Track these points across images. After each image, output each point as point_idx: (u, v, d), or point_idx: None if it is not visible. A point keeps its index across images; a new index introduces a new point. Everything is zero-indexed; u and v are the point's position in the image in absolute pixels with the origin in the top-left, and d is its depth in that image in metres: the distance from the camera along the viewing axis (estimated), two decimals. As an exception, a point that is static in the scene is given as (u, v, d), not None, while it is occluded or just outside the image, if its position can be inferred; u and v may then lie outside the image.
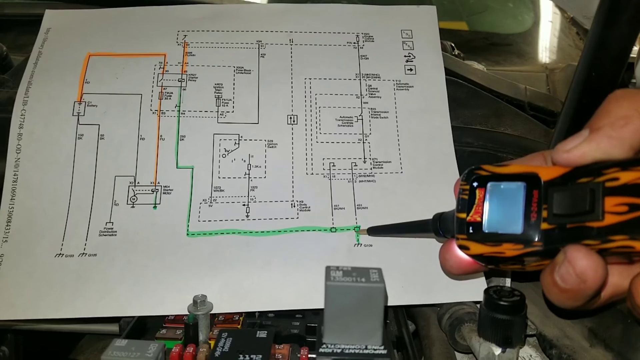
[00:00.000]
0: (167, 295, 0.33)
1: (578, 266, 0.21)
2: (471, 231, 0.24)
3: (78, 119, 0.37)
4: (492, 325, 0.28)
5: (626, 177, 0.21)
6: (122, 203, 0.36)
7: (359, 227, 0.36)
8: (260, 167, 0.37)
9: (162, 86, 0.39)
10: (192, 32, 0.41)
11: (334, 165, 0.37)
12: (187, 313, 0.31)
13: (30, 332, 0.37)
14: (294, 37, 0.41)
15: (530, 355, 0.31)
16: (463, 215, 0.24)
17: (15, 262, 0.34)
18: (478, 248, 0.24)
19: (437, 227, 0.28)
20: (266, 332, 0.29)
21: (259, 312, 0.34)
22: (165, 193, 0.36)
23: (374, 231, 0.35)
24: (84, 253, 0.34)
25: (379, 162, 0.38)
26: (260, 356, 0.26)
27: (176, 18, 0.42)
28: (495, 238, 0.24)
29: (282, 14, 0.42)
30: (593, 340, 0.32)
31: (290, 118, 0.39)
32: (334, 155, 0.38)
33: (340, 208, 0.37)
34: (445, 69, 0.42)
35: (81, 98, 0.38)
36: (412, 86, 0.40)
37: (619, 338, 0.31)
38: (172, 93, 0.38)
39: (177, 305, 0.32)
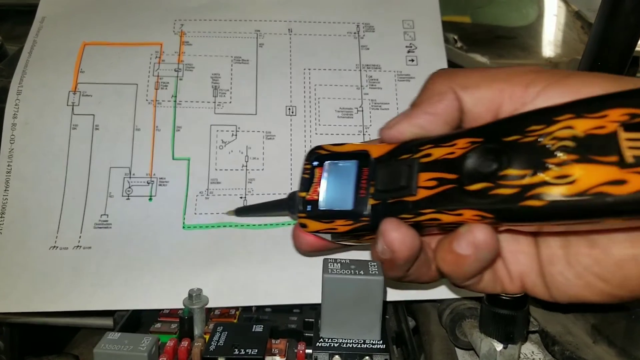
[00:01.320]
0: (162, 288, 0.32)
1: (387, 238, 0.22)
2: (309, 209, 0.25)
3: (73, 109, 0.37)
4: (493, 321, 0.27)
5: (437, 153, 0.22)
6: (117, 195, 0.35)
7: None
8: (258, 159, 0.37)
9: (158, 76, 0.38)
10: (189, 21, 0.40)
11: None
12: (182, 307, 0.30)
13: (26, 326, 0.37)
14: (293, 26, 0.40)
15: (533, 352, 0.31)
16: (303, 194, 0.25)
17: (10, 254, 0.33)
18: (315, 225, 0.25)
19: (289, 205, 0.28)
20: (262, 326, 0.28)
21: (255, 306, 0.33)
22: (161, 185, 0.36)
23: (241, 212, 0.34)
24: (78, 246, 0.34)
25: (379, 154, 0.37)
26: (256, 351, 0.26)
27: (173, 7, 0.41)
28: (330, 215, 0.25)
29: (281, 3, 0.41)
30: (596, 337, 0.31)
31: (289, 109, 0.38)
32: (333, 147, 0.37)
33: (339, 201, 0.36)
34: (448, 61, 0.41)
35: (76, 88, 0.37)
36: (414, 77, 0.40)
37: (623, 334, 0.30)
38: (168, 83, 0.38)
39: (172, 298, 0.32)
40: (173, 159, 0.36)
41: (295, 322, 0.32)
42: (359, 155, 0.25)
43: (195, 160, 0.36)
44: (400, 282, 0.28)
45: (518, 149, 0.19)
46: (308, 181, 0.26)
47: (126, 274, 0.33)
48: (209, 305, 0.31)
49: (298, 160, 0.37)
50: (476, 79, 0.22)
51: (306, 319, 0.32)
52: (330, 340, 0.26)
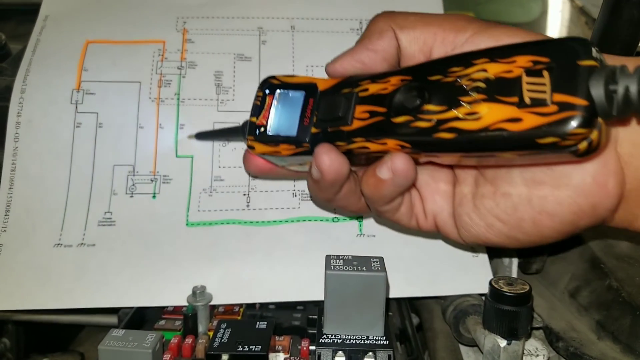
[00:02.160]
0: (166, 285, 0.33)
1: (318, 159, 0.24)
2: (257, 133, 0.27)
3: (76, 107, 0.37)
4: (497, 317, 0.27)
5: (373, 88, 0.24)
6: (120, 193, 0.35)
7: (362, 217, 0.36)
8: (261, 156, 0.37)
9: (161, 74, 0.38)
10: (191, 18, 0.40)
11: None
12: (186, 304, 0.30)
13: (31, 324, 0.37)
14: (296, 23, 0.40)
15: (537, 348, 0.31)
16: (254, 119, 0.27)
17: (14, 252, 0.33)
18: (261, 148, 0.27)
19: (243, 131, 0.29)
20: (266, 323, 0.28)
21: (259, 303, 0.33)
22: (164, 182, 0.36)
23: (201, 136, 0.35)
24: (82, 243, 0.34)
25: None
26: (260, 347, 0.26)
27: (175, 4, 0.41)
28: (275, 139, 0.26)
29: (284, 0, 0.41)
30: (601, 333, 0.31)
31: (292, 106, 0.38)
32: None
33: (342, 198, 0.36)
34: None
35: (79, 86, 0.37)
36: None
37: (627, 331, 0.30)
38: (171, 81, 0.38)
39: (176, 296, 0.32)
40: (176, 156, 0.36)
41: (299, 319, 0.32)
42: (308, 87, 0.27)
43: (198, 158, 0.36)
44: (332, 210, 0.33)
45: (439, 87, 0.21)
46: (259, 108, 0.27)
47: (130, 271, 0.33)
48: (212, 303, 0.31)
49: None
50: (413, 21, 0.24)
51: (310, 316, 0.32)
52: (333, 337, 0.26)
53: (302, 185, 0.36)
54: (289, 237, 0.35)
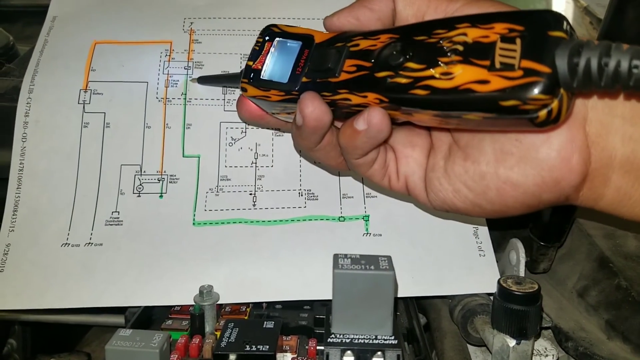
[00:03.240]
0: (173, 285, 0.33)
1: (301, 105, 0.25)
2: (251, 76, 0.28)
3: (84, 107, 0.37)
4: (506, 316, 0.27)
5: (363, 44, 0.25)
6: (128, 192, 0.35)
7: (369, 216, 0.36)
8: (267, 155, 0.37)
9: (168, 74, 0.38)
10: (198, 19, 0.40)
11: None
12: (193, 303, 0.30)
13: (37, 325, 0.37)
14: (302, 23, 0.40)
15: (546, 348, 0.30)
16: (250, 63, 0.28)
17: (22, 251, 0.33)
18: (253, 91, 0.28)
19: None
20: (273, 322, 0.28)
21: (266, 303, 0.33)
22: (171, 182, 0.36)
23: (203, 80, 0.37)
24: (90, 242, 0.34)
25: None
26: (267, 347, 0.26)
27: (182, 5, 0.41)
28: (267, 85, 0.27)
29: (290, 0, 0.41)
30: (611, 333, 0.31)
31: (298, 106, 0.38)
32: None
33: (348, 197, 0.36)
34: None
35: (87, 86, 0.37)
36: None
37: (638, 330, 0.30)
38: (178, 81, 0.38)
39: (183, 295, 0.32)
40: (183, 156, 0.36)
41: (306, 319, 0.32)
42: (305, 38, 0.28)
43: (205, 158, 0.36)
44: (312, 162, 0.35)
45: (422, 47, 0.22)
46: (257, 52, 0.28)
47: (137, 270, 0.33)
48: (219, 302, 0.31)
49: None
50: None
51: (317, 316, 0.32)
52: (341, 336, 0.26)
53: (309, 184, 0.36)
54: (295, 236, 0.35)
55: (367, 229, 0.35)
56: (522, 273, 0.34)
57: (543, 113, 0.19)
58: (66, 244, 0.34)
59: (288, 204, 0.36)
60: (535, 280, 0.28)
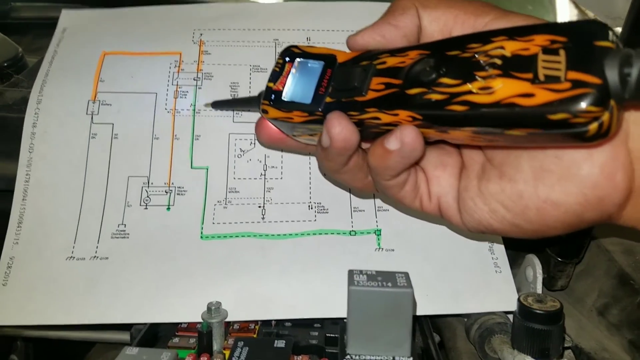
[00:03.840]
0: (180, 301, 0.32)
1: (328, 125, 0.24)
2: (273, 98, 0.27)
3: (92, 118, 0.36)
4: (527, 336, 0.26)
5: (391, 61, 0.24)
6: (135, 204, 0.35)
7: (380, 230, 0.35)
8: (276, 167, 0.36)
9: (177, 85, 0.38)
10: (208, 30, 0.40)
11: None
12: (201, 320, 0.29)
13: (40, 341, 0.36)
14: (311, 35, 0.40)
15: (567, 369, 0.29)
16: (271, 85, 0.27)
17: (26, 265, 0.33)
18: (274, 113, 0.27)
19: (259, 102, 0.29)
20: (284, 341, 0.27)
21: (275, 320, 0.32)
22: (179, 194, 0.35)
23: (217, 105, 0.36)
24: (95, 256, 0.33)
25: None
26: (279, 366, 0.25)
27: (192, 16, 0.41)
28: (289, 106, 0.26)
29: (299, 12, 0.41)
30: (635, 354, 0.30)
31: (309, 118, 0.37)
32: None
33: (359, 210, 0.35)
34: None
35: (95, 97, 0.37)
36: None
37: (663, 352, 0.28)
38: (187, 92, 0.37)
39: (190, 312, 0.31)
40: (191, 167, 0.36)
41: (317, 338, 0.31)
42: (327, 58, 0.27)
43: (213, 169, 0.36)
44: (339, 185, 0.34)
45: (456, 61, 0.22)
46: (277, 74, 0.28)
47: (144, 285, 0.32)
48: (227, 319, 0.30)
49: (316, 169, 0.36)
50: (437, 2, 0.25)
51: (328, 334, 0.31)
52: (357, 357, 0.25)
53: (319, 197, 0.36)
54: (305, 251, 0.34)
55: (379, 244, 0.34)
56: (539, 290, 0.33)
57: (594, 126, 0.18)
58: (71, 257, 0.33)
59: (298, 217, 0.35)
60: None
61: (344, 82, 0.25)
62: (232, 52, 0.39)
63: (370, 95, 0.24)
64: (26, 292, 0.32)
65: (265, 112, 0.27)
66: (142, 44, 0.39)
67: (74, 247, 0.33)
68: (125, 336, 0.33)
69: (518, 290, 0.34)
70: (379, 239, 0.35)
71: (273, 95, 0.27)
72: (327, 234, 0.35)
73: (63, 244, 0.33)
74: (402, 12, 0.25)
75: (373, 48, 0.26)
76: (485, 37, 0.21)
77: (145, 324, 0.31)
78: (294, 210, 0.35)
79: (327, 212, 0.35)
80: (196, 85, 0.38)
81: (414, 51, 0.23)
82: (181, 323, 0.31)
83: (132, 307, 0.31)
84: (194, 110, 0.37)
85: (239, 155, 0.36)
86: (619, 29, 0.46)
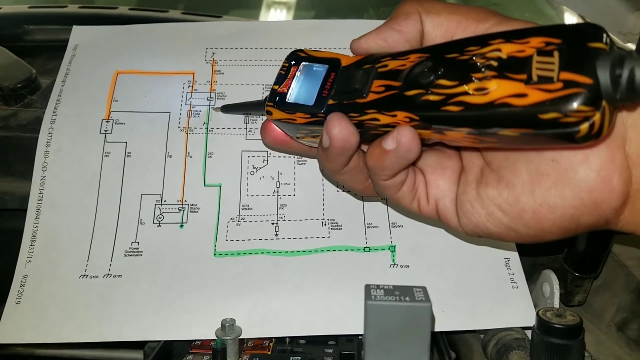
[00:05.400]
0: (194, 318, 0.31)
1: (328, 126, 0.25)
2: (277, 100, 0.28)
3: (105, 137, 0.37)
4: (547, 351, 0.26)
5: (392, 64, 0.25)
6: (148, 222, 0.35)
7: (395, 246, 0.35)
8: (289, 184, 0.36)
9: (190, 105, 0.38)
10: (220, 49, 0.40)
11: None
12: (215, 338, 0.29)
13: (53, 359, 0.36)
14: (324, 53, 0.40)
15: (588, 386, 0.29)
16: (276, 87, 0.28)
17: (39, 283, 0.33)
18: (278, 114, 0.28)
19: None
20: (299, 358, 0.27)
21: (289, 337, 0.32)
22: (192, 212, 0.35)
23: (226, 109, 0.37)
24: (108, 274, 0.33)
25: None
26: (296, 384, 0.24)
27: (204, 35, 0.41)
28: (293, 108, 0.27)
29: (310, 30, 0.42)
30: (658, 370, 0.29)
31: (320, 134, 0.38)
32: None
33: (373, 226, 0.35)
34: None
35: (109, 116, 0.37)
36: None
37: (685, 368, 0.28)
38: (200, 111, 0.38)
39: (204, 329, 0.31)
40: (204, 185, 0.36)
41: (331, 355, 0.31)
42: (331, 62, 0.27)
43: (226, 187, 0.36)
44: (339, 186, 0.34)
45: (453, 64, 0.22)
46: (282, 77, 0.28)
47: (157, 303, 0.32)
48: (242, 336, 0.30)
49: (329, 185, 0.36)
50: (439, 8, 0.26)
51: (342, 352, 0.30)
52: (375, 373, 0.24)
53: (332, 213, 0.36)
54: (319, 267, 0.34)
55: (393, 260, 0.34)
56: (556, 306, 0.32)
57: (585, 127, 0.19)
58: (84, 275, 0.33)
59: (311, 233, 0.35)
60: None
61: (346, 84, 0.26)
62: (244, 72, 0.39)
63: (371, 97, 0.24)
64: (39, 310, 0.31)
65: (269, 113, 0.28)
66: (155, 62, 0.40)
67: (87, 265, 0.33)
68: (138, 355, 0.33)
69: (535, 306, 0.33)
70: (393, 255, 0.34)
71: (277, 97, 0.28)
72: (341, 250, 0.34)
73: (76, 262, 0.33)
74: (405, 18, 0.26)
75: (376, 52, 0.26)
76: (483, 40, 0.22)
77: (158, 341, 0.31)
78: (308, 226, 0.35)
79: (341, 229, 0.35)
80: (209, 105, 0.38)
81: (414, 55, 0.24)
82: (195, 340, 0.31)
83: (146, 325, 0.31)
84: (207, 128, 0.37)
85: (252, 173, 0.36)
86: (630, 45, 0.47)
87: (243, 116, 0.38)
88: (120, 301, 0.32)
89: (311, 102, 0.27)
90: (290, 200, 0.36)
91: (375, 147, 0.25)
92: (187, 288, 0.32)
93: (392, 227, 0.35)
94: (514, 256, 0.34)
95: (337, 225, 0.35)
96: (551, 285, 0.33)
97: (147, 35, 0.41)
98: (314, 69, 0.28)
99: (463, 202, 0.26)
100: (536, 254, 0.37)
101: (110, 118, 0.37)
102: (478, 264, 0.34)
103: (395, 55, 0.25)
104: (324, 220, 0.35)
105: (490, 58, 0.21)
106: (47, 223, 0.34)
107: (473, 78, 0.21)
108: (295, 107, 0.27)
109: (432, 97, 0.22)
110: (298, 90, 0.28)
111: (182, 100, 0.38)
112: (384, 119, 0.24)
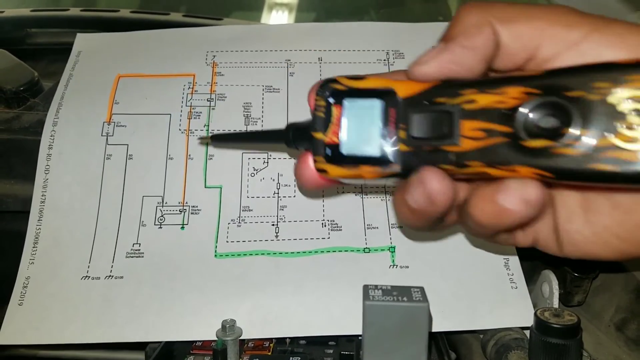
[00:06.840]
0: (195, 319, 0.32)
1: (429, 187, 0.20)
2: (329, 153, 0.22)
3: (107, 140, 0.37)
4: (545, 351, 0.26)
5: (483, 100, 0.19)
6: (149, 224, 0.35)
7: (395, 247, 0.35)
8: (289, 185, 0.36)
9: (191, 106, 0.38)
10: (221, 52, 0.41)
11: (365, 183, 0.36)
12: (216, 338, 0.29)
13: (53, 361, 0.36)
14: (323, 55, 0.41)
15: (587, 386, 0.29)
16: (320, 136, 0.22)
17: (42, 284, 0.33)
18: (336, 171, 0.22)
19: (290, 138, 0.25)
20: (299, 359, 0.27)
21: (289, 338, 0.32)
22: (193, 213, 0.35)
23: (218, 139, 0.32)
24: (110, 275, 0.33)
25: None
26: (295, 384, 0.25)
27: (205, 39, 0.42)
28: (354, 161, 0.22)
29: (311, 33, 0.42)
30: (656, 370, 0.29)
31: (320, 136, 0.38)
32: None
33: (373, 227, 0.35)
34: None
35: (110, 119, 0.38)
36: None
37: (685, 368, 0.28)
38: (201, 113, 0.38)
39: (204, 330, 0.31)
40: (205, 187, 0.36)
41: (331, 355, 0.31)
42: (383, 94, 0.22)
43: (227, 188, 0.36)
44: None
45: (584, 106, 0.18)
46: (324, 120, 0.22)
47: (158, 304, 0.32)
48: (242, 337, 0.30)
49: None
50: (514, 13, 0.21)
51: (342, 352, 0.31)
52: (374, 373, 0.24)
53: (332, 214, 0.36)
54: (319, 268, 0.34)
55: (393, 261, 0.34)
56: (555, 306, 0.33)
57: None
58: (86, 276, 0.33)
59: (311, 235, 0.35)
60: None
61: (422, 126, 0.21)
62: (245, 73, 0.40)
63: (467, 144, 0.20)
64: (42, 311, 0.32)
65: (323, 171, 0.22)
66: (156, 66, 0.40)
67: (89, 266, 0.34)
68: (140, 356, 0.33)
69: (534, 307, 0.34)
70: (393, 256, 0.35)
71: (329, 150, 0.22)
72: (341, 251, 0.35)
73: (78, 264, 0.34)
74: (477, 31, 0.21)
75: (445, 78, 0.21)
76: (614, 73, 0.17)
77: (160, 342, 0.31)
78: (308, 227, 0.35)
79: (341, 230, 0.35)
80: (209, 106, 0.38)
81: (515, 87, 0.19)
82: (196, 341, 0.31)
83: (147, 326, 0.31)
84: (208, 130, 0.38)
85: (252, 174, 0.37)
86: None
87: (244, 118, 0.38)
88: (121, 302, 0.32)
89: (376, 152, 0.21)
90: (290, 202, 0.36)
91: (489, 204, 0.20)
92: (188, 289, 0.33)
93: (392, 227, 0.35)
94: (514, 257, 0.35)
95: (337, 226, 0.35)
96: (550, 285, 0.33)
97: (148, 41, 0.42)
98: (364, 105, 0.22)
99: (569, 232, 0.22)
100: (535, 254, 0.37)
101: (111, 121, 0.38)
102: (477, 265, 0.34)
103: (481, 86, 0.20)
104: (324, 222, 0.36)
105: (637, 100, 0.17)
106: (49, 225, 0.35)
107: (618, 127, 0.17)
108: (357, 160, 0.22)
109: (569, 151, 0.18)
110: (354, 137, 0.22)
111: (182, 102, 0.38)
112: (496, 172, 0.19)
